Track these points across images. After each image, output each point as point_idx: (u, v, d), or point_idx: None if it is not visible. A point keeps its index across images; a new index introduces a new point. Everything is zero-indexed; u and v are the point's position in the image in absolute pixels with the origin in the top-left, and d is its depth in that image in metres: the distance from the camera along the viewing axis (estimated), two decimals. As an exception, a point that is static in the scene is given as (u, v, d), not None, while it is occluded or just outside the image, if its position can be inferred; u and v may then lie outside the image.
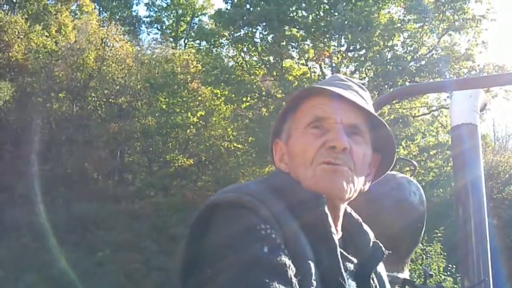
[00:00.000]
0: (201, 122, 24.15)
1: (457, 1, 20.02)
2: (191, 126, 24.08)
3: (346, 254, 1.03)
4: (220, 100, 23.11)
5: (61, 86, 23.62)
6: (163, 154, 23.90)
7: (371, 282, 1.07)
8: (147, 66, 25.39)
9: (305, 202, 0.99)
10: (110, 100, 24.61)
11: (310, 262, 0.92)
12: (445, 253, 10.75)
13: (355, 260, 1.05)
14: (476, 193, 1.47)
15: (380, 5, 20.98)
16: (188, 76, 23.99)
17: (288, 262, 0.88)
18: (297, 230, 0.95)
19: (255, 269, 0.85)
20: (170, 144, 24.37)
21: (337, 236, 1.01)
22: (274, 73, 22.19)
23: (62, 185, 20.87)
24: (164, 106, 24.04)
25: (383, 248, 1.10)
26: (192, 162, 23.34)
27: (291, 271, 0.87)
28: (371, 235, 1.14)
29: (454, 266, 10.00)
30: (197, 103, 24.23)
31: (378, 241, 1.12)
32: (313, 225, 0.97)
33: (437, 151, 21.43)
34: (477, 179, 1.56)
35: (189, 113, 24.07)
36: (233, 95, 21.84)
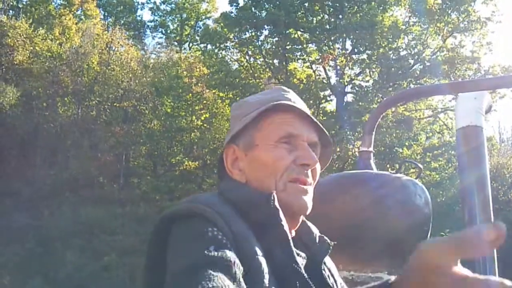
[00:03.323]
0: (205, 125, 24.20)
1: (462, 3, 19.99)
2: (195, 130, 24.14)
3: (296, 250, 1.08)
4: (225, 103, 23.16)
5: (66, 90, 23.74)
6: (168, 157, 23.95)
7: (323, 272, 1.14)
8: (152, 70, 25.49)
9: (256, 201, 1.07)
10: (115, 104, 24.71)
11: (260, 258, 0.98)
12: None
13: (304, 255, 1.12)
14: (482, 194, 1.47)
15: (385, 8, 20.96)
16: (193, 80, 24.07)
17: (233, 259, 0.93)
18: (247, 230, 1.01)
19: (201, 267, 0.90)
20: (175, 147, 24.43)
21: (290, 233, 1.08)
22: (279, 76, 22.22)
23: (67, 189, 20.94)
24: (169, 110, 24.11)
25: (329, 241, 1.18)
26: (197, 165, 23.39)
27: (236, 268, 0.92)
28: (316, 231, 1.22)
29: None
30: (201, 106, 24.30)
31: (323, 236, 1.20)
32: (265, 223, 1.04)
33: (442, 151, 21.35)
34: (483, 180, 1.56)
35: (194, 117, 24.13)
36: (237, 98, 21.87)
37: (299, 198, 1.12)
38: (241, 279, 0.92)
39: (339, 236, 1.25)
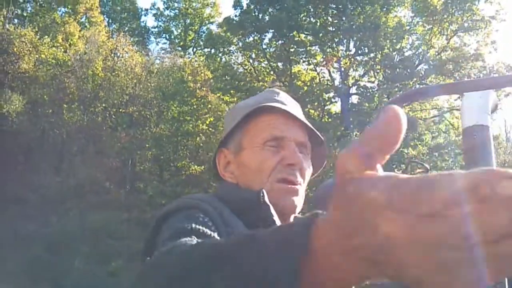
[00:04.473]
0: (210, 129, 24.24)
1: (466, 2, 19.94)
2: (201, 134, 24.18)
3: None
4: (229, 106, 23.22)
5: (72, 97, 23.85)
6: (174, 162, 23.98)
7: None
8: (156, 75, 25.58)
9: (247, 199, 1.08)
10: (120, 109, 24.81)
11: None
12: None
13: None
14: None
15: (388, 9, 20.93)
16: (198, 84, 24.14)
17: (210, 232, 0.90)
18: (240, 225, 1.02)
19: (175, 234, 0.87)
20: (181, 152, 24.47)
21: None
22: (283, 79, 22.23)
23: (74, 195, 21.01)
24: (175, 114, 24.18)
25: None
26: (202, 169, 23.41)
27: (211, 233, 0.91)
28: None
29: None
30: (206, 110, 24.35)
31: None
32: (258, 218, 1.03)
33: (449, 150, 21.26)
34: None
35: (199, 121, 24.19)
36: (242, 102, 21.89)
37: (285, 198, 1.13)
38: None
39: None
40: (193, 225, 0.89)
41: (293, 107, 1.24)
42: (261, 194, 1.07)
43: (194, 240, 0.79)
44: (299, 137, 1.19)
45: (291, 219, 1.17)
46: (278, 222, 1.05)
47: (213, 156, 1.27)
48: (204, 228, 0.89)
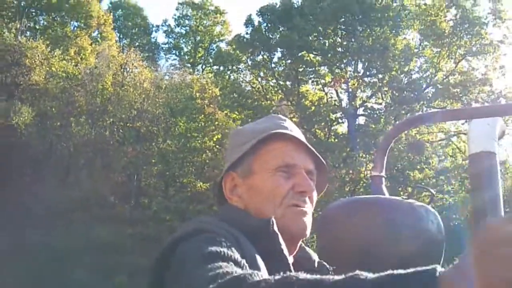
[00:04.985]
0: (217, 146, 24.27)
1: (474, 26, 20.02)
2: (207, 151, 24.20)
3: None
4: (236, 123, 23.28)
5: (81, 110, 24.01)
6: (180, 178, 23.97)
7: None
8: (165, 91, 25.73)
9: (255, 226, 1.09)
10: (128, 124, 24.92)
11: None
12: (465, 282, 10.51)
13: None
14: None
15: (397, 31, 21.05)
16: (206, 101, 24.26)
17: (240, 258, 0.92)
18: (252, 248, 1.03)
19: (207, 257, 0.90)
20: (187, 168, 24.47)
21: (290, 257, 1.10)
22: (291, 98, 22.31)
23: (79, 208, 21.02)
24: (182, 131, 24.24)
25: (327, 266, 1.21)
26: (208, 187, 23.38)
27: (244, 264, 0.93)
28: (315, 256, 1.25)
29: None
30: (213, 127, 24.42)
31: (322, 261, 1.23)
32: (266, 247, 1.05)
33: (455, 174, 21.13)
34: (496, 207, 1.55)
35: (207, 138, 24.23)
36: (249, 120, 21.97)
37: (298, 220, 1.16)
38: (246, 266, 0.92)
39: (349, 260, 1.24)
40: (220, 250, 0.91)
41: (300, 134, 1.28)
42: (271, 223, 1.08)
43: (237, 267, 0.85)
44: (308, 164, 1.22)
45: (299, 244, 1.20)
46: (285, 251, 1.07)
47: (219, 179, 1.26)
48: (231, 253, 0.91)
